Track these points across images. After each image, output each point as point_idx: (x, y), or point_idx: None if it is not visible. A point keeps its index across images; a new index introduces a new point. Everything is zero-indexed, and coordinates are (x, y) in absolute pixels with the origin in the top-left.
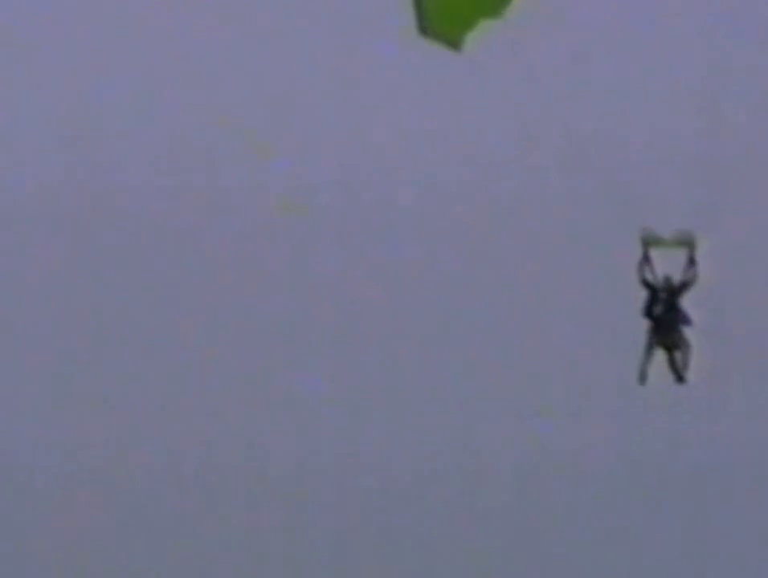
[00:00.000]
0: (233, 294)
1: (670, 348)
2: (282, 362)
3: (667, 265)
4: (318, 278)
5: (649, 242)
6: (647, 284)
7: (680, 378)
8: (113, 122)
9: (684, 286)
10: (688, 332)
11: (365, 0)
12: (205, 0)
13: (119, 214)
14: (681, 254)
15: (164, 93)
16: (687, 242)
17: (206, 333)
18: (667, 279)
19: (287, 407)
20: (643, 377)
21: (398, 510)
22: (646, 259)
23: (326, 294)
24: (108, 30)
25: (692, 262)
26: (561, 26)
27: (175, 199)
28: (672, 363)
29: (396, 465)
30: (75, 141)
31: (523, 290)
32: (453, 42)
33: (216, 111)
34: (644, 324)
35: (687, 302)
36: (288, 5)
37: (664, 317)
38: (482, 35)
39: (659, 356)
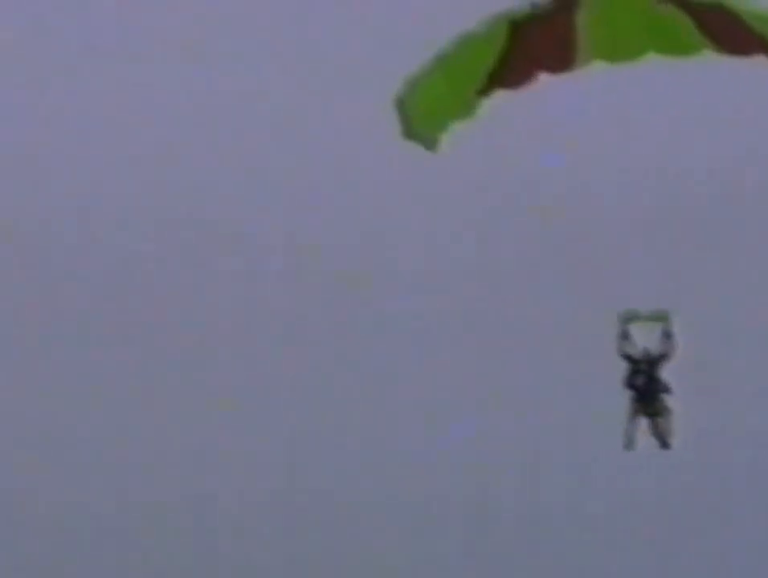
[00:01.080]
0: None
1: (653, 416)
2: None
3: (645, 338)
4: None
5: (627, 318)
6: (627, 357)
7: (664, 443)
8: None
9: (662, 357)
10: (669, 400)
11: (356, 107)
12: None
13: None
14: (658, 328)
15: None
16: (662, 318)
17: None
18: (647, 351)
19: None
20: (630, 444)
21: None
22: (625, 334)
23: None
24: None
25: (668, 335)
26: (530, 125)
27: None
28: (656, 429)
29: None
30: None
31: (516, 363)
32: (430, 143)
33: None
34: (628, 394)
35: (666, 372)
36: (279, 107)
37: (645, 387)
38: (456, 136)
39: (644, 423)
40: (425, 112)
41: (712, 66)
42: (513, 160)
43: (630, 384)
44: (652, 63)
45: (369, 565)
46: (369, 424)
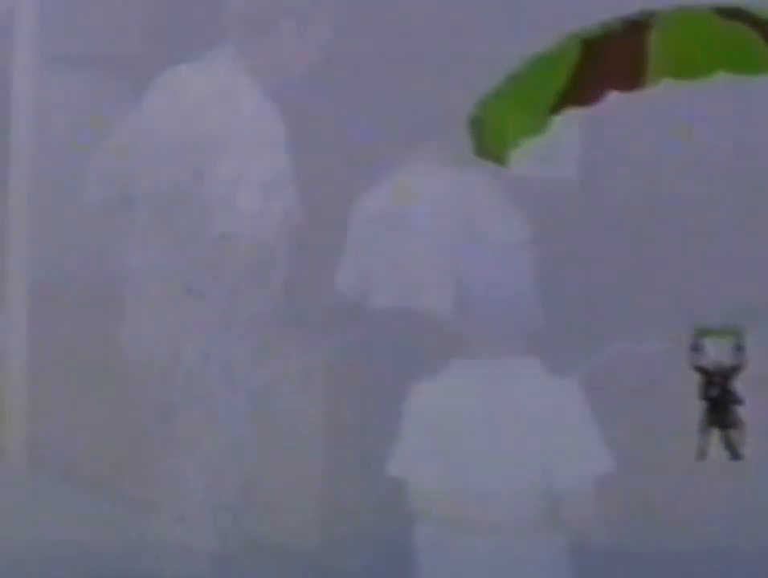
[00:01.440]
0: None
1: (725, 427)
2: None
3: (718, 351)
4: None
5: (700, 331)
6: (700, 369)
7: (736, 454)
8: None
9: (735, 369)
10: (741, 412)
11: (420, 127)
12: None
13: None
14: (730, 342)
15: None
16: (734, 332)
17: None
18: (718, 364)
19: None
20: (702, 454)
21: None
22: (697, 347)
23: None
24: None
25: (739, 348)
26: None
27: None
28: (728, 440)
29: None
30: None
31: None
32: (501, 160)
33: None
34: (699, 405)
35: (738, 384)
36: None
37: (719, 398)
38: (526, 152)
39: (716, 434)
40: (497, 130)
41: None
42: (584, 173)
43: (704, 395)
44: (720, 81)
45: None
46: None
